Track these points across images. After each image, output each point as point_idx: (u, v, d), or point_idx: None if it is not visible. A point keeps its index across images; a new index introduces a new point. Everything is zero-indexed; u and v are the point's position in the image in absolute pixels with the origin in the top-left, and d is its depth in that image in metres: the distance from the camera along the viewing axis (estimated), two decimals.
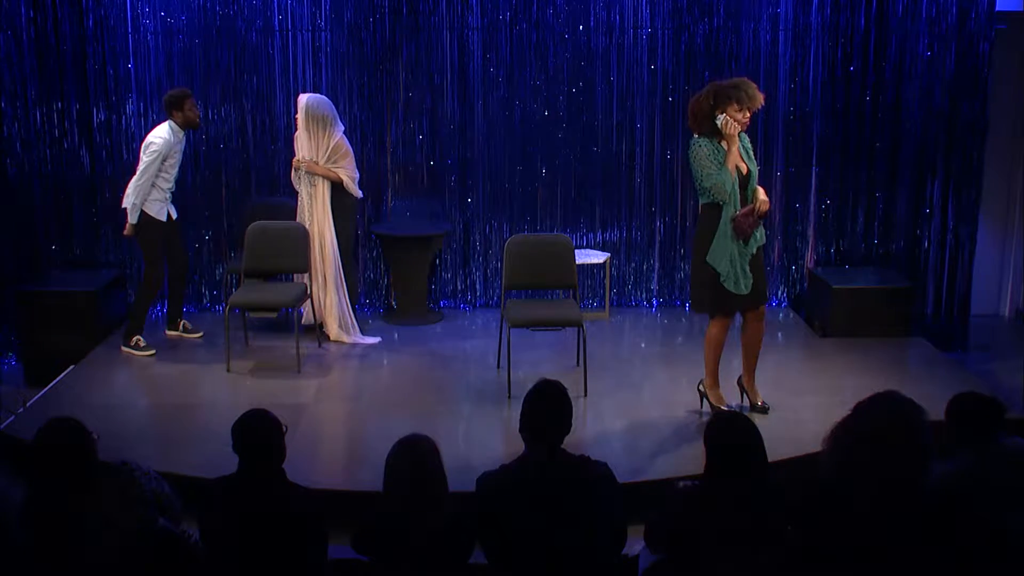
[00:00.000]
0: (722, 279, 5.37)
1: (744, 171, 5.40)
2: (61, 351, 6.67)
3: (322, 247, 6.90)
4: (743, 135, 5.47)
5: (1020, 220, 7.99)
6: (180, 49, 7.43)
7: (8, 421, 5.71)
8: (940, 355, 6.86)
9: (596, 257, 7.58)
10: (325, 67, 7.50)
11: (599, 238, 7.84)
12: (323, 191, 6.89)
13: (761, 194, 5.42)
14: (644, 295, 7.98)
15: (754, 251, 5.43)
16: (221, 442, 3.70)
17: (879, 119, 7.46)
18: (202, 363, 6.71)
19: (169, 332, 7.15)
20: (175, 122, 6.69)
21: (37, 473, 3.42)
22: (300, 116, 6.83)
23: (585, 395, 5.99)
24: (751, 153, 5.54)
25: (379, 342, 7.08)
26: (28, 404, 5.95)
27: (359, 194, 7.05)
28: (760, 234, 5.47)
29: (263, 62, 7.47)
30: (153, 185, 6.66)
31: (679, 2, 7.45)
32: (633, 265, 7.92)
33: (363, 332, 7.13)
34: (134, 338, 6.82)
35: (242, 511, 3.45)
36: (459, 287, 7.93)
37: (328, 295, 6.97)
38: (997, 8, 6.95)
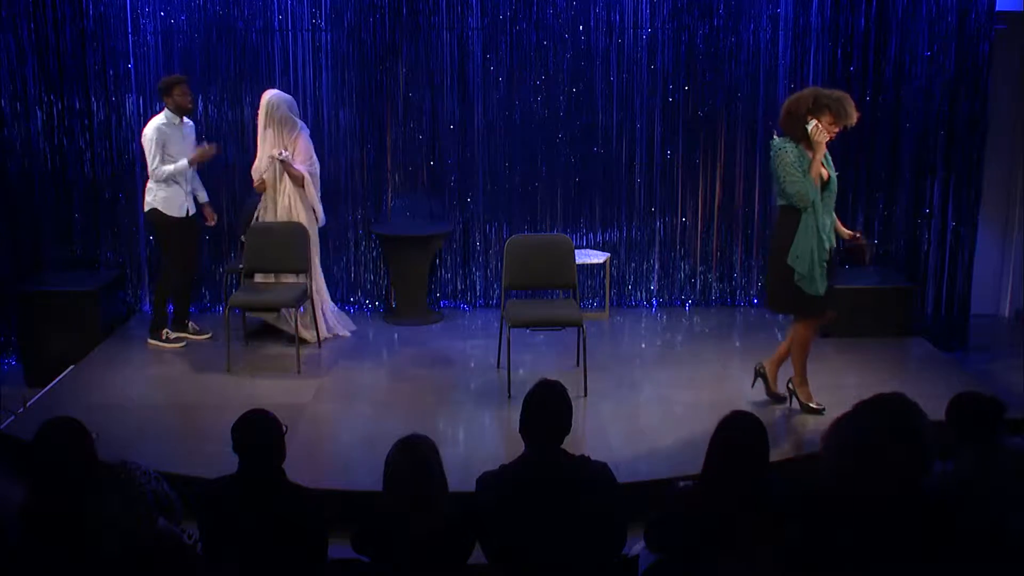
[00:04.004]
0: (797, 279, 5.41)
1: (825, 177, 5.49)
2: (61, 351, 6.68)
3: None
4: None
5: (1020, 220, 7.99)
6: (180, 49, 7.43)
7: (8, 421, 5.72)
8: (940, 355, 6.87)
9: (596, 257, 7.57)
10: (325, 67, 7.50)
11: (599, 238, 7.84)
12: (292, 189, 6.80)
13: (841, 228, 5.69)
14: (644, 295, 7.98)
15: (827, 252, 5.48)
16: (221, 442, 3.69)
17: (879, 119, 7.46)
18: (202, 363, 6.71)
19: (176, 333, 7.10)
20: (169, 109, 6.68)
21: (37, 473, 3.42)
22: (263, 113, 6.71)
23: (585, 395, 5.99)
24: (830, 160, 5.58)
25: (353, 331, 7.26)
26: (28, 404, 5.95)
27: (317, 197, 6.85)
28: (830, 235, 5.53)
29: (263, 62, 7.47)
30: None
31: (679, 2, 7.45)
32: (633, 265, 7.92)
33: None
34: (162, 331, 6.90)
35: (242, 511, 3.45)
36: (459, 287, 7.92)
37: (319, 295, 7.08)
38: (997, 8, 6.95)
